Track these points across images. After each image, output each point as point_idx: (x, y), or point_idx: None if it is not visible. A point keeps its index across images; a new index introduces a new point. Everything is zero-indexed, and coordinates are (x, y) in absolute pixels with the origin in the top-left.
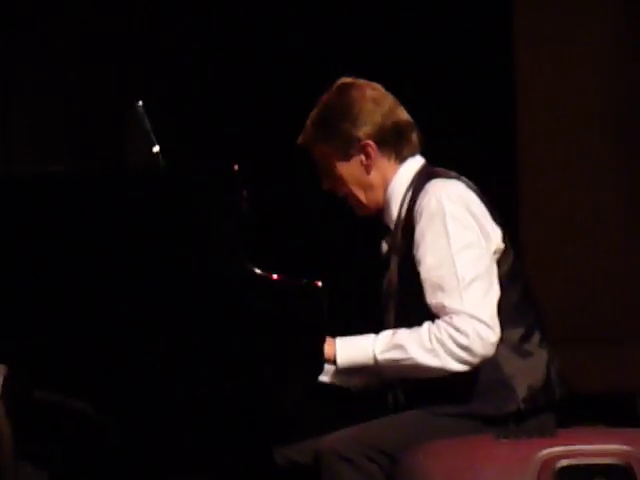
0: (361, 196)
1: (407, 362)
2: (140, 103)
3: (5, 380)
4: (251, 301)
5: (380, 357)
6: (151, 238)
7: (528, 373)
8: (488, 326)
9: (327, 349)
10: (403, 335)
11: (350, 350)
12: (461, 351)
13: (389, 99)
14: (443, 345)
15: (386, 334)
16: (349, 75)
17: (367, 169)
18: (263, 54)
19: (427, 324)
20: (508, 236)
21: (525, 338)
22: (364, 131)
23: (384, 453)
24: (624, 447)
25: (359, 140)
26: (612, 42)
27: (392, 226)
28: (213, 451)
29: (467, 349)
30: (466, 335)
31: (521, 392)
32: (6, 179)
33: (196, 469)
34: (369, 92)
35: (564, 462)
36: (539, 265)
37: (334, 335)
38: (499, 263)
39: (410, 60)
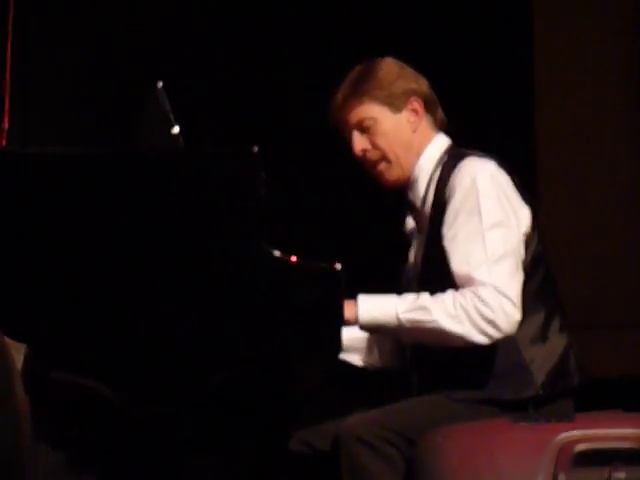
0: (401, 155)
1: (430, 324)
2: (160, 84)
3: (25, 360)
4: (269, 284)
5: (403, 316)
6: (169, 220)
7: (547, 359)
8: (513, 303)
9: (347, 309)
10: (427, 298)
11: (372, 308)
12: (485, 323)
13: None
14: (467, 314)
15: (410, 296)
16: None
17: (413, 127)
18: (283, 37)
19: (451, 291)
20: (536, 219)
21: (546, 324)
22: (412, 87)
23: (403, 437)
24: None
25: (407, 94)
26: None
27: (418, 203)
28: (230, 436)
29: (491, 322)
30: (491, 308)
31: (539, 377)
32: (26, 158)
33: (212, 453)
34: (406, 66)
35: (582, 446)
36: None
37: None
38: (525, 247)
39: (426, 38)
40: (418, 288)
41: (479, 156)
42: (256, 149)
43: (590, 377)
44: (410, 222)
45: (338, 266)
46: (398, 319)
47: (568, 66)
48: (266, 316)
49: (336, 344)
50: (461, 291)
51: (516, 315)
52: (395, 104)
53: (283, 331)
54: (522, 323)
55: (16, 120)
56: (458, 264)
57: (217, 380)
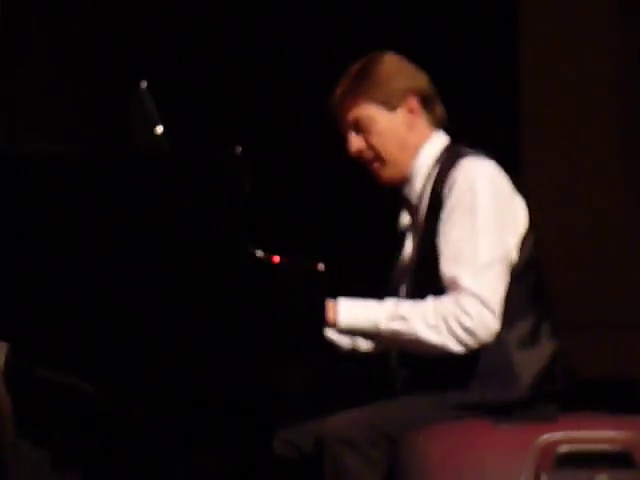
0: (396, 154)
1: (408, 334)
2: (144, 83)
3: (7, 358)
4: (252, 283)
5: (383, 326)
6: (152, 220)
7: (535, 362)
8: (493, 313)
9: (328, 312)
10: (407, 307)
11: (353, 314)
12: (463, 333)
13: (424, 73)
14: (447, 323)
15: (390, 303)
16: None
17: (409, 125)
18: (269, 35)
19: (431, 300)
20: (531, 221)
21: (536, 327)
22: (409, 85)
23: (387, 437)
24: (626, 434)
25: (403, 92)
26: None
27: (414, 199)
28: (214, 437)
29: (469, 331)
30: (471, 317)
31: (526, 379)
32: (9, 157)
33: (197, 455)
34: (406, 60)
35: (564, 448)
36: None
37: None
38: (520, 249)
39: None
40: (412, 284)
41: (478, 155)
42: (239, 149)
43: (578, 379)
44: (405, 218)
45: (321, 266)
46: (377, 327)
47: (554, 56)
48: (249, 316)
49: (319, 344)
50: (442, 299)
51: (495, 325)
52: (391, 103)
53: (266, 331)
54: (513, 326)
55: (2, 119)
56: (446, 264)
57: (199, 380)
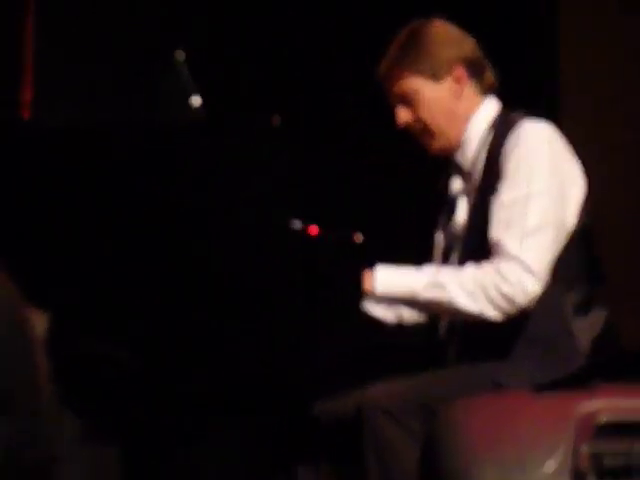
0: (444, 125)
1: (445, 302)
2: (180, 53)
3: (48, 328)
4: (290, 254)
5: (420, 294)
6: (190, 189)
7: (590, 329)
8: (536, 278)
9: (365, 280)
10: (445, 274)
11: (390, 281)
12: (501, 299)
13: (471, 37)
14: (485, 290)
15: (429, 270)
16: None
17: (456, 95)
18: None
19: (471, 266)
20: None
21: (589, 294)
22: (455, 54)
23: (427, 408)
24: None
25: (450, 62)
26: None
27: (467, 165)
28: (252, 406)
29: (507, 298)
30: (510, 284)
31: (583, 347)
32: (47, 131)
33: (233, 424)
34: (452, 25)
35: (604, 417)
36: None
37: None
38: (578, 215)
39: None
40: (463, 249)
41: (536, 120)
42: (277, 119)
43: (623, 349)
44: (456, 184)
45: (359, 237)
46: (414, 295)
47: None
48: (287, 286)
49: (357, 314)
50: (483, 266)
51: (536, 290)
52: (437, 74)
53: (303, 301)
54: (569, 292)
55: (39, 92)
56: (495, 228)
57: (234, 347)
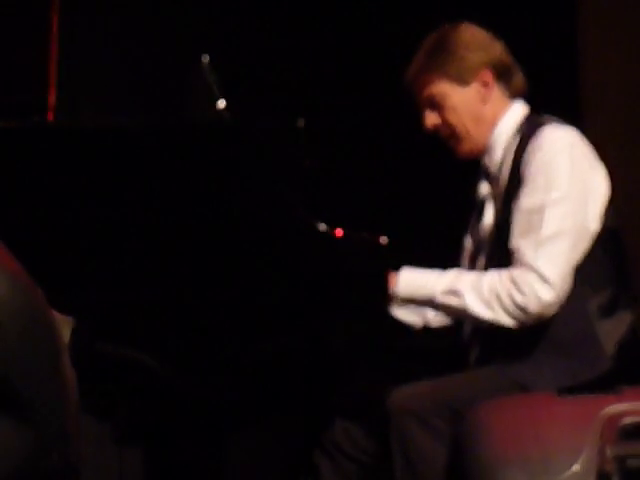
0: (471, 129)
1: (461, 308)
2: (206, 57)
3: (73, 332)
4: (315, 256)
5: (437, 299)
6: (214, 192)
7: (615, 331)
8: (550, 286)
9: (390, 282)
10: (464, 281)
11: (411, 284)
12: (515, 308)
13: (500, 41)
14: (499, 299)
15: (450, 276)
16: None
17: (483, 99)
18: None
19: (490, 273)
20: (613, 190)
21: (615, 297)
22: (483, 59)
23: (452, 409)
24: None
25: (477, 66)
26: None
27: (494, 169)
28: (276, 409)
29: (520, 307)
30: (523, 293)
31: (609, 350)
32: (71, 130)
33: (258, 427)
34: (481, 29)
35: (629, 419)
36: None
37: None
38: (602, 219)
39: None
40: (490, 253)
41: (560, 123)
42: (302, 122)
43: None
44: (484, 187)
45: (384, 239)
46: (432, 299)
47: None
48: (311, 288)
49: (382, 316)
50: (500, 273)
51: (550, 298)
52: (464, 78)
53: (329, 303)
54: (594, 295)
55: (62, 95)
56: (514, 235)
57: (262, 350)
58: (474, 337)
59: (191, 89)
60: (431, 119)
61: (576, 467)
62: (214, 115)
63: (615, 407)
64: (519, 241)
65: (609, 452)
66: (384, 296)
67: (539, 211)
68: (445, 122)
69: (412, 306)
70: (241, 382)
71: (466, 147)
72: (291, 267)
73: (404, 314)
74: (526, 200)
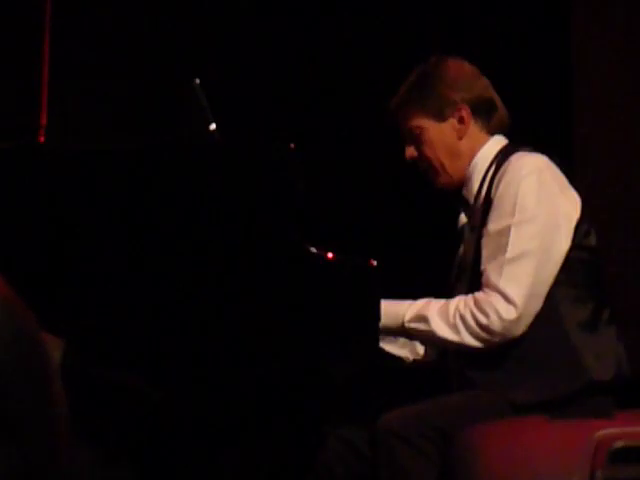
0: (447, 163)
1: (429, 334)
2: (197, 81)
3: (63, 354)
4: (305, 280)
5: (407, 325)
6: (205, 215)
7: (596, 345)
8: (513, 305)
9: None
10: (433, 307)
11: (384, 315)
12: (480, 330)
13: (484, 77)
14: (464, 321)
15: (420, 303)
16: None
17: (459, 134)
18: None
19: (457, 299)
20: (583, 212)
21: (595, 314)
22: (461, 95)
23: (440, 432)
24: None
25: (455, 103)
26: None
27: (471, 199)
28: (264, 433)
29: (485, 328)
30: (486, 314)
31: (590, 363)
32: (61, 152)
33: (246, 450)
34: (466, 65)
35: (620, 443)
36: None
37: None
38: (579, 239)
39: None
40: (468, 283)
41: (529, 151)
42: (292, 145)
43: (633, 373)
44: (463, 218)
45: (374, 263)
46: (402, 327)
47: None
48: (301, 312)
49: (372, 340)
50: (466, 297)
51: (512, 316)
52: (442, 114)
53: (318, 327)
54: (572, 310)
55: (54, 117)
56: (483, 260)
57: (251, 377)
58: (456, 361)
59: (182, 112)
60: (410, 151)
61: None
62: (205, 137)
63: (606, 431)
64: (486, 264)
65: (599, 475)
66: (375, 319)
67: (505, 234)
68: (422, 155)
69: (402, 340)
70: (231, 403)
71: (442, 180)
72: (282, 290)
73: (393, 348)
74: (493, 224)
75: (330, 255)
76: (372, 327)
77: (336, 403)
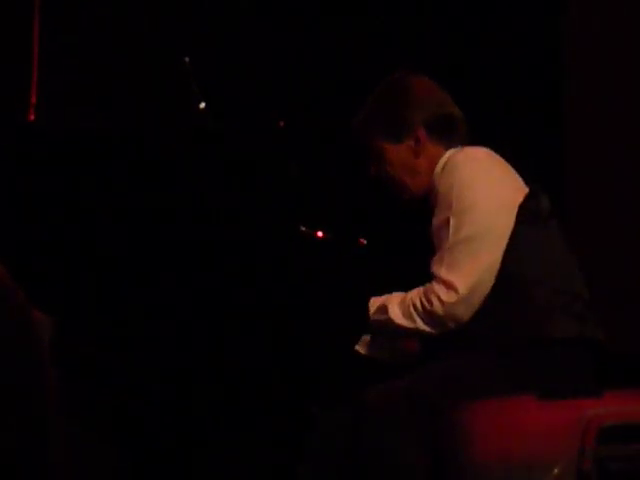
0: (408, 181)
1: (388, 323)
2: (187, 59)
3: (53, 333)
4: (295, 258)
5: (371, 317)
6: (196, 194)
7: (547, 281)
8: (454, 290)
9: None
10: (394, 298)
11: None
12: (428, 317)
13: (442, 92)
14: (416, 310)
15: (384, 297)
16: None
17: (416, 154)
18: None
19: (416, 289)
20: (549, 203)
21: (571, 300)
22: (419, 117)
23: (427, 405)
24: None
25: (412, 124)
26: None
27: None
28: (255, 414)
29: (433, 314)
30: (430, 301)
31: (539, 297)
32: (52, 133)
33: (234, 426)
34: (424, 82)
35: (608, 422)
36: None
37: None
38: (535, 226)
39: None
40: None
41: (470, 146)
42: (282, 123)
43: (617, 352)
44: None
45: (363, 241)
46: (369, 319)
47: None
48: (292, 290)
49: (361, 318)
50: (419, 289)
51: (454, 299)
52: (398, 135)
53: (309, 305)
54: (535, 287)
55: (44, 95)
56: (432, 254)
57: (236, 348)
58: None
59: (173, 90)
60: (372, 169)
61: (557, 469)
62: (197, 117)
63: (595, 410)
64: (433, 258)
65: (589, 454)
66: (365, 296)
67: (445, 226)
68: (384, 173)
69: (380, 341)
70: (218, 384)
71: (406, 196)
72: (272, 269)
73: (372, 350)
74: (435, 219)
75: (320, 234)
76: (362, 303)
77: (324, 382)
